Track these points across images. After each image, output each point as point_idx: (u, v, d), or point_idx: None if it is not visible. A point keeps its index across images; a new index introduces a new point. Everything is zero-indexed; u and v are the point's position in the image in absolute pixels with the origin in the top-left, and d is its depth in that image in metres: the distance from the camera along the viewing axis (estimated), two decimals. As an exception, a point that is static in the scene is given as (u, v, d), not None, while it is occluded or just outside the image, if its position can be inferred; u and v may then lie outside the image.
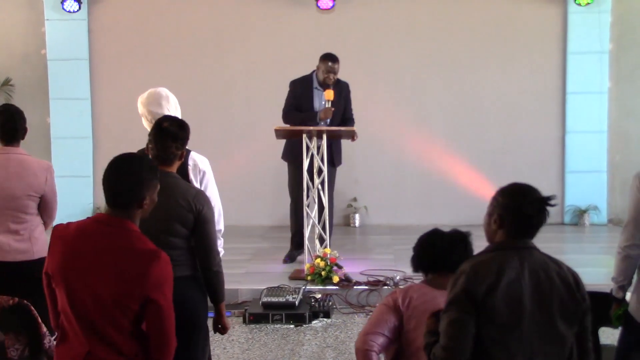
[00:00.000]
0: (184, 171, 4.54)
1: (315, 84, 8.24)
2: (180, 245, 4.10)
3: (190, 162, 4.64)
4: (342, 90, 8.28)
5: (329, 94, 7.93)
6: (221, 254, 4.69)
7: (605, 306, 4.38)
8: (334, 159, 8.42)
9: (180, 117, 4.76)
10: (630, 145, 10.35)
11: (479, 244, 3.49)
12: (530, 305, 3.04)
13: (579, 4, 10.30)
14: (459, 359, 3.02)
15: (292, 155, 8.16)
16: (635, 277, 4.15)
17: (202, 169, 4.68)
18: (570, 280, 3.12)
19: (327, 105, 7.99)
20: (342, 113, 8.28)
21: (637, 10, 10.67)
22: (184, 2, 10.72)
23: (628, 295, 4.28)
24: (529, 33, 10.66)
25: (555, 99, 10.75)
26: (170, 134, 4.13)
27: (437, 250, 3.78)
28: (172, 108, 4.76)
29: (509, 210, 3.15)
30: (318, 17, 10.51)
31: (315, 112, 8.12)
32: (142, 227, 3.78)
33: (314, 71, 8.30)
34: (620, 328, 4.37)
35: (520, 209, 3.12)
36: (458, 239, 3.80)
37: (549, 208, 3.14)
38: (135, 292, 3.19)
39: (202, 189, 4.59)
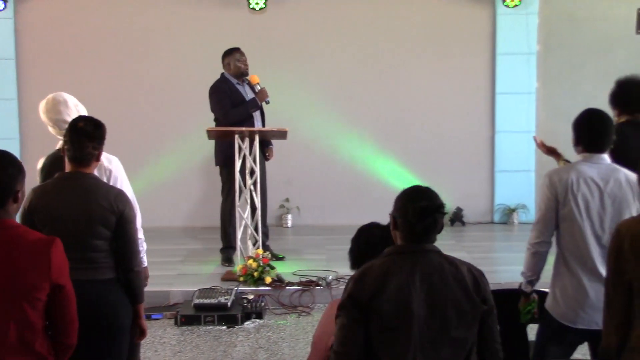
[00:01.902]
0: None
1: (233, 81, 8.27)
2: (103, 248, 4.04)
3: None
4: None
5: (255, 78, 8.20)
6: (144, 247, 4.66)
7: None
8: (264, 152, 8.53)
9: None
10: (557, 144, 10.42)
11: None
12: (421, 309, 3.05)
13: (507, 6, 10.46)
14: None
15: (229, 158, 8.11)
16: (554, 273, 4.26)
17: (108, 168, 4.58)
18: (467, 282, 3.13)
19: (258, 87, 8.17)
20: None
21: (563, 12, 10.86)
22: (113, 1, 10.57)
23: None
24: (459, 34, 10.78)
25: (485, 99, 10.90)
26: (85, 134, 4.04)
27: (372, 248, 3.64)
28: (73, 112, 4.64)
29: (399, 213, 3.19)
30: (249, 18, 10.47)
31: (252, 98, 8.21)
32: (64, 230, 3.76)
33: (222, 73, 8.35)
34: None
35: (406, 214, 3.16)
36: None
37: (441, 215, 3.18)
38: (42, 283, 3.17)
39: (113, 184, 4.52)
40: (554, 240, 4.28)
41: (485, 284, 3.20)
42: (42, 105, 4.70)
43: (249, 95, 8.28)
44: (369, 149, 10.70)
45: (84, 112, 4.71)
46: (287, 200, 10.64)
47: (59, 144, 4.64)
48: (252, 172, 7.85)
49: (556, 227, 4.22)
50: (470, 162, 10.87)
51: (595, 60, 10.75)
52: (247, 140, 7.74)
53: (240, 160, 7.77)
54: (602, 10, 10.78)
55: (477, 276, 3.20)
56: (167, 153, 10.42)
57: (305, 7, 10.62)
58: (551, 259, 4.33)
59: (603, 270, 4.02)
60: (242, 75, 8.29)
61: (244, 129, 7.79)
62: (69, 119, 4.50)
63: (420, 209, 3.13)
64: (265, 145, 8.46)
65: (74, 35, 10.52)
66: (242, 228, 7.87)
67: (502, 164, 10.89)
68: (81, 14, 10.55)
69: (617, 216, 4.09)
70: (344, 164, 10.66)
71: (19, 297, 3.15)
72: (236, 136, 7.69)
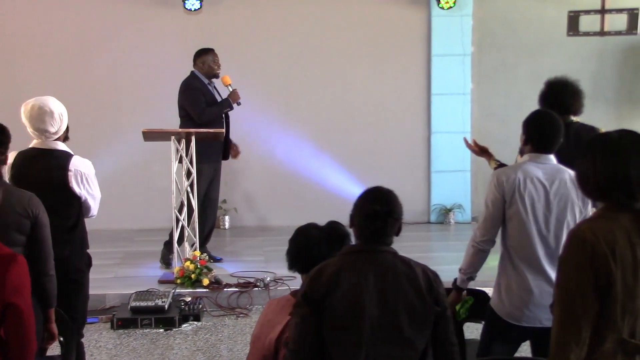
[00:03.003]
0: (63, 178, 4.57)
1: (204, 80, 8.30)
2: None
3: (71, 169, 4.63)
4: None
5: (227, 79, 8.32)
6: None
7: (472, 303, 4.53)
8: (227, 152, 8.64)
9: (64, 127, 4.75)
10: (492, 144, 10.45)
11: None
12: (372, 308, 3.07)
13: (442, 8, 10.55)
14: None
15: (206, 155, 8.17)
16: (499, 272, 4.30)
17: (83, 172, 4.69)
18: (420, 283, 3.16)
19: (230, 89, 8.29)
20: None
21: (497, 14, 11.02)
22: (48, 1, 10.41)
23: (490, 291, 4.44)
24: (396, 35, 10.85)
25: (420, 100, 10.99)
26: None
27: (309, 249, 3.65)
28: (57, 122, 4.65)
29: (355, 213, 3.26)
30: (185, 19, 10.40)
31: (225, 99, 8.33)
32: None
33: (192, 71, 8.31)
34: (483, 322, 4.51)
35: (359, 215, 3.23)
36: (335, 238, 3.67)
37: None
38: None
39: (85, 191, 4.67)
40: (498, 238, 4.33)
41: (439, 286, 3.22)
42: (25, 110, 4.65)
43: (217, 96, 8.37)
44: (306, 149, 10.71)
45: (66, 119, 4.75)
46: (224, 201, 10.57)
47: (33, 142, 4.69)
48: (188, 174, 7.81)
49: (502, 226, 4.26)
50: (406, 162, 10.94)
51: (528, 61, 10.94)
52: (183, 142, 7.70)
53: (177, 162, 7.74)
54: (534, 13, 10.97)
55: (432, 278, 3.22)
56: (103, 154, 10.25)
57: (240, 9, 10.59)
58: (494, 257, 4.38)
59: (548, 269, 4.09)
60: (213, 76, 8.36)
61: (180, 130, 7.78)
62: (53, 130, 4.61)
63: (371, 212, 3.19)
64: (229, 142, 8.59)
65: (9, 36, 10.31)
66: (179, 230, 7.82)
67: (438, 165, 11.00)
68: (16, 14, 10.35)
69: (562, 216, 4.14)
70: (282, 165, 10.66)
71: None
72: (172, 138, 7.65)
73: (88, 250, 4.91)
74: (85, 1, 10.44)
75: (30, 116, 4.61)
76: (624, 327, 2.85)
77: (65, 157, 4.66)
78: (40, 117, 4.59)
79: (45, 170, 4.58)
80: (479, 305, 4.52)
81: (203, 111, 8.10)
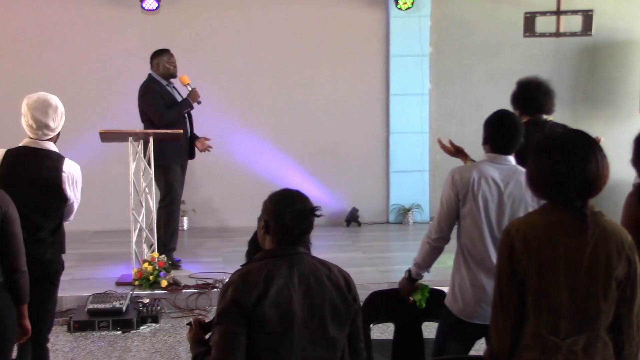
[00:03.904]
0: (57, 180, 4.59)
1: (163, 82, 8.25)
2: None
3: (65, 171, 4.64)
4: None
5: (185, 79, 8.27)
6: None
7: (428, 302, 4.54)
8: (193, 151, 8.63)
9: (60, 128, 4.76)
10: (450, 145, 10.76)
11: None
12: (300, 311, 3.07)
13: (400, 9, 10.59)
14: None
15: (175, 156, 8.17)
16: (454, 269, 4.32)
17: (74, 175, 4.73)
18: (341, 283, 3.19)
19: (189, 88, 8.25)
20: None
21: (454, 16, 11.09)
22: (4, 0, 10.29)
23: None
24: (354, 36, 10.88)
25: (379, 100, 11.03)
26: None
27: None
28: (58, 118, 4.67)
29: (272, 217, 3.20)
30: (143, 19, 10.33)
31: (184, 99, 8.28)
32: None
33: (150, 74, 8.25)
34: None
35: (282, 217, 3.16)
36: None
37: (316, 217, 3.21)
38: None
39: (73, 194, 4.71)
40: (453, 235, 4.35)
41: (354, 284, 3.26)
42: (29, 101, 4.62)
43: (177, 96, 8.32)
44: (266, 150, 10.71)
45: (63, 120, 4.76)
46: (183, 202, 10.50)
47: (25, 140, 4.66)
48: (147, 174, 7.77)
49: (457, 224, 4.28)
50: (365, 163, 10.98)
51: (485, 62, 11.04)
52: (141, 143, 7.66)
53: (135, 163, 7.69)
54: (491, 14, 11.07)
55: (347, 276, 3.26)
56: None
57: (198, 9, 10.56)
58: (451, 256, 4.40)
59: None
60: (170, 76, 8.28)
61: (137, 131, 7.72)
62: (53, 125, 4.63)
63: (297, 212, 3.16)
64: (194, 138, 8.56)
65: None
66: (137, 231, 7.77)
67: (396, 165, 11.04)
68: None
69: (514, 217, 4.08)
70: (241, 165, 10.64)
71: None
72: (130, 139, 7.59)
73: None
74: (41, 1, 10.32)
75: (34, 107, 4.59)
76: (541, 322, 2.92)
77: (58, 159, 4.66)
78: (44, 109, 4.59)
79: (39, 170, 4.57)
80: (436, 305, 4.54)
81: (163, 114, 8.03)
